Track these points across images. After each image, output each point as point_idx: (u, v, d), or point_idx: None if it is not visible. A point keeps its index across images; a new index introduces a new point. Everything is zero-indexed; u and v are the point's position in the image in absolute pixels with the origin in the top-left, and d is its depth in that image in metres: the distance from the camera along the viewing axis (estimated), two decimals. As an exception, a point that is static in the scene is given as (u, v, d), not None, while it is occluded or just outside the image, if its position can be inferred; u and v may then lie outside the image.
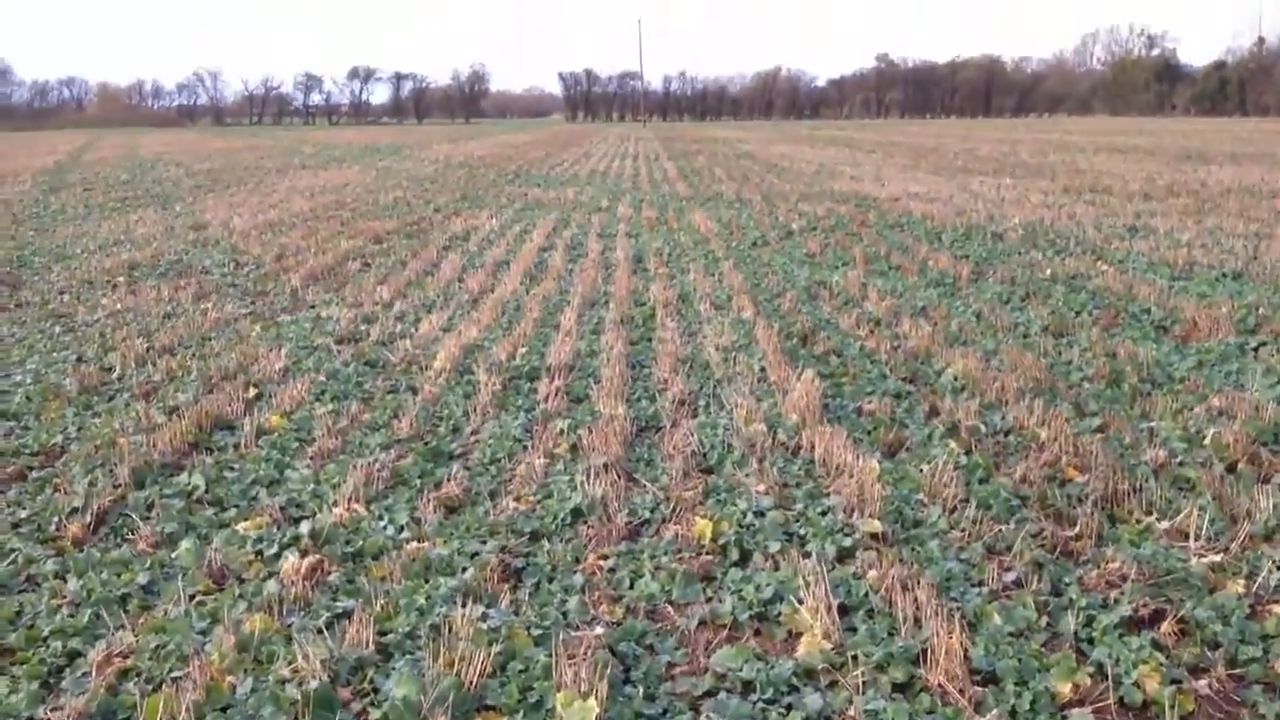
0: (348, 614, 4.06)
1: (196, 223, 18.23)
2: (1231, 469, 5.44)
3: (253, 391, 7.33)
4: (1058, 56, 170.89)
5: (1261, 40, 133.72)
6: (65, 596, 4.31)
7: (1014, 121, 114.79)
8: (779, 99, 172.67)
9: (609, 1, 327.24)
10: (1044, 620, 3.93)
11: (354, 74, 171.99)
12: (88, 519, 5.13)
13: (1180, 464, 5.55)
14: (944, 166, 31.18)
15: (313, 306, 10.49)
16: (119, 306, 10.50)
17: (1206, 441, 5.80)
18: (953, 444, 5.89)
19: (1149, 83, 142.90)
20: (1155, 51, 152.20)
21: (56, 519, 5.16)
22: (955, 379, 7.24)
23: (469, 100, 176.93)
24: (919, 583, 4.14)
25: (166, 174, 32.65)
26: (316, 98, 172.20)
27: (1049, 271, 11.37)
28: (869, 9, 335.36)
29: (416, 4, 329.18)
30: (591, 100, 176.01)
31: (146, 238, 16.13)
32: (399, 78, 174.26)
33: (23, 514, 5.25)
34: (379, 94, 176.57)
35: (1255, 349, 7.92)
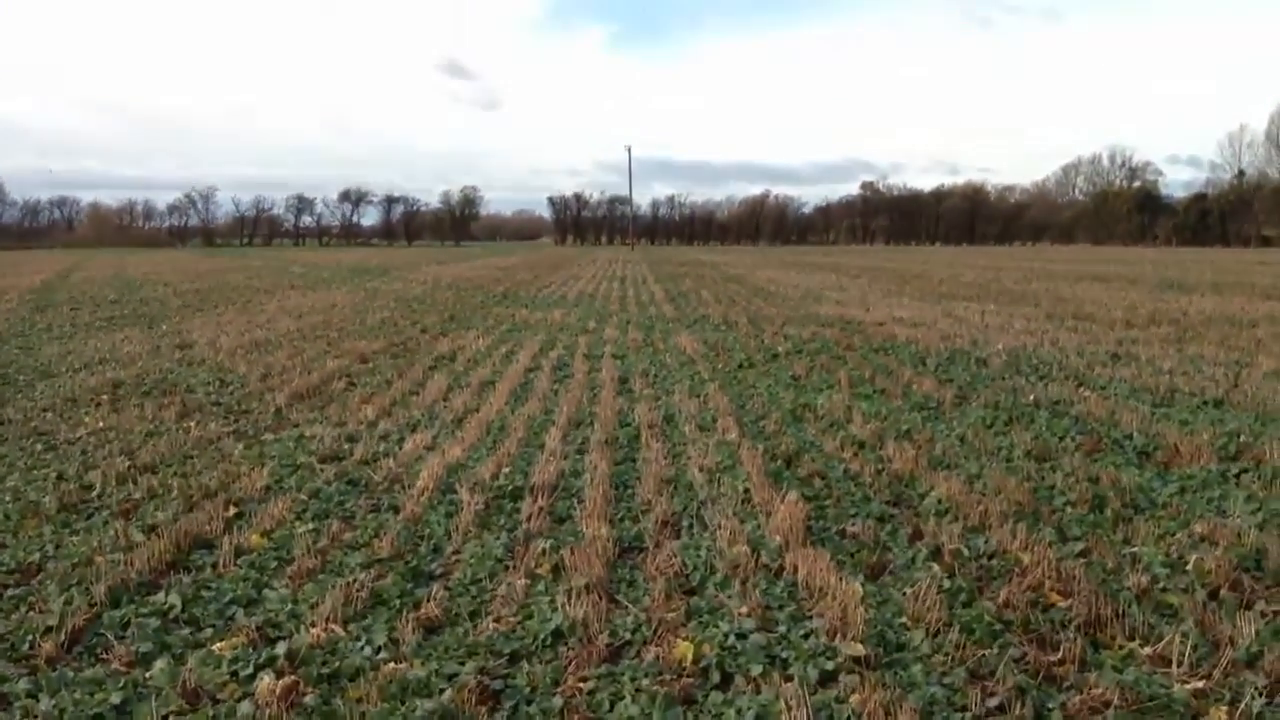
0: (322, 736, 4.00)
1: (182, 341, 18.28)
2: (1214, 595, 5.42)
3: (233, 510, 7.28)
4: (1040, 186, 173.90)
5: (1242, 173, 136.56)
6: (37, 716, 4.25)
7: (997, 249, 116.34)
8: (766, 224, 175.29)
9: (601, 126, 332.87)
10: (1028, 747, 3.89)
11: (345, 196, 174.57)
12: (62, 637, 5.06)
13: (1163, 589, 5.53)
14: (928, 292, 31.50)
15: (296, 425, 10.47)
16: (101, 425, 10.47)
17: (1189, 567, 5.79)
18: (936, 567, 5.88)
19: (1131, 213, 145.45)
20: (1136, 183, 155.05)
21: (30, 637, 5.09)
22: (939, 502, 7.23)
23: (459, 222, 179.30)
24: (901, 707, 4.10)
25: (154, 293, 32.81)
26: (308, 219, 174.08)
27: (1032, 397, 11.43)
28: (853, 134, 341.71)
29: (405, 130, 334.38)
30: (581, 223, 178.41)
31: (132, 356, 16.15)
32: (390, 200, 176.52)
33: (-4, 632, 5.19)
34: (369, 216, 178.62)
35: (1237, 475, 7.94)
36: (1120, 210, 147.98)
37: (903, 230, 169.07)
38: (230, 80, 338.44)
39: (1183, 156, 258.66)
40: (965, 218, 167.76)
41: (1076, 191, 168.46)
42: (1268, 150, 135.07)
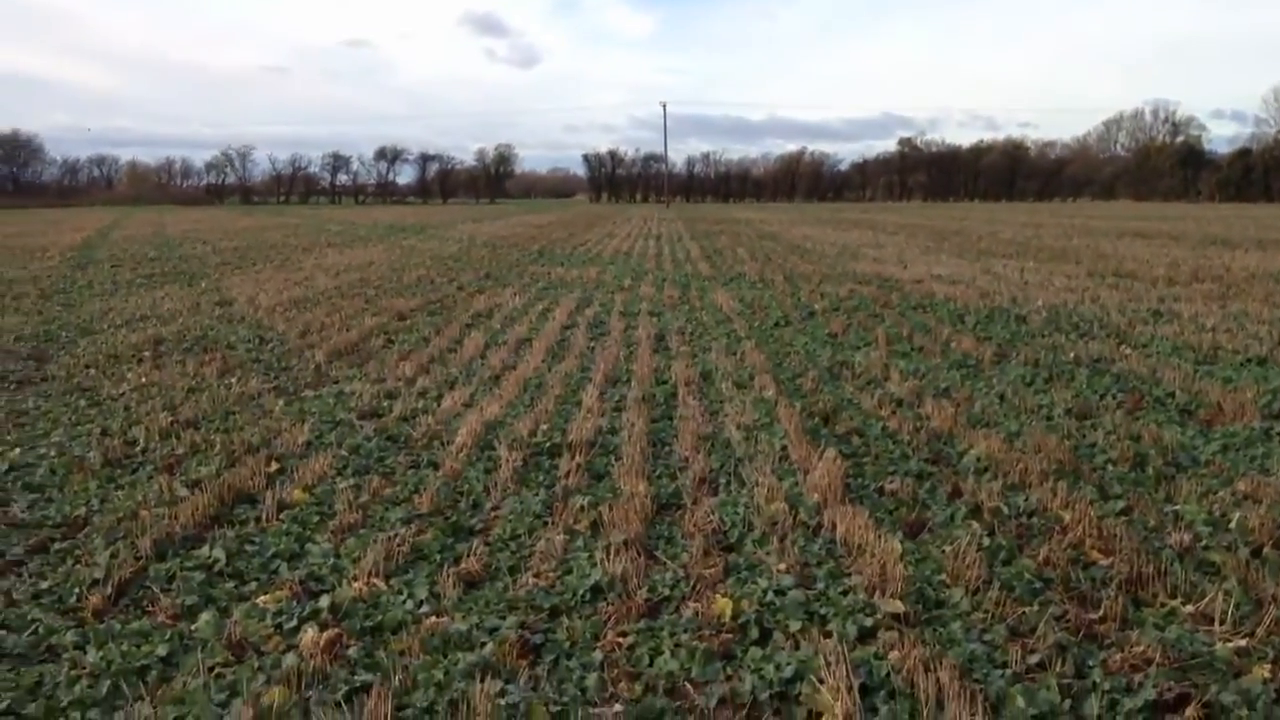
0: (366, 688, 4.05)
1: (222, 299, 18.40)
2: (1257, 553, 5.38)
3: (275, 466, 7.34)
4: (1081, 141, 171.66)
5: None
6: (85, 668, 4.31)
7: (1037, 206, 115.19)
8: (802, 181, 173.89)
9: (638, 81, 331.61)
10: (1068, 704, 3.88)
11: (381, 154, 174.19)
12: (108, 590, 5.13)
13: (1205, 547, 5.49)
14: (967, 249, 31.27)
15: (336, 382, 10.53)
16: (144, 381, 10.57)
17: (1232, 525, 5.75)
18: (975, 525, 5.87)
19: (1173, 169, 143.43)
20: (1179, 138, 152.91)
21: (77, 590, 5.17)
22: (978, 460, 7.21)
23: (494, 180, 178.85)
24: (941, 664, 4.10)
25: (193, 251, 32.99)
26: (343, 177, 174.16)
27: (1073, 354, 11.35)
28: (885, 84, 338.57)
29: (441, 88, 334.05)
30: (615, 181, 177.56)
31: (172, 313, 16.27)
32: (425, 158, 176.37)
33: (44, 585, 5.26)
34: (405, 174, 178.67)
35: (1281, 433, 7.87)
36: (1163, 166, 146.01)
37: (940, 187, 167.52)
38: (262, 39, 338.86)
39: (1227, 111, 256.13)
40: (1004, 174, 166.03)
41: (1118, 147, 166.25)
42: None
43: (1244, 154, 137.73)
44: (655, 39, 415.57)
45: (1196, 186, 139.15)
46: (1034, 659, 4.25)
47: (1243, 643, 4.33)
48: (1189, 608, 4.73)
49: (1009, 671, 4.16)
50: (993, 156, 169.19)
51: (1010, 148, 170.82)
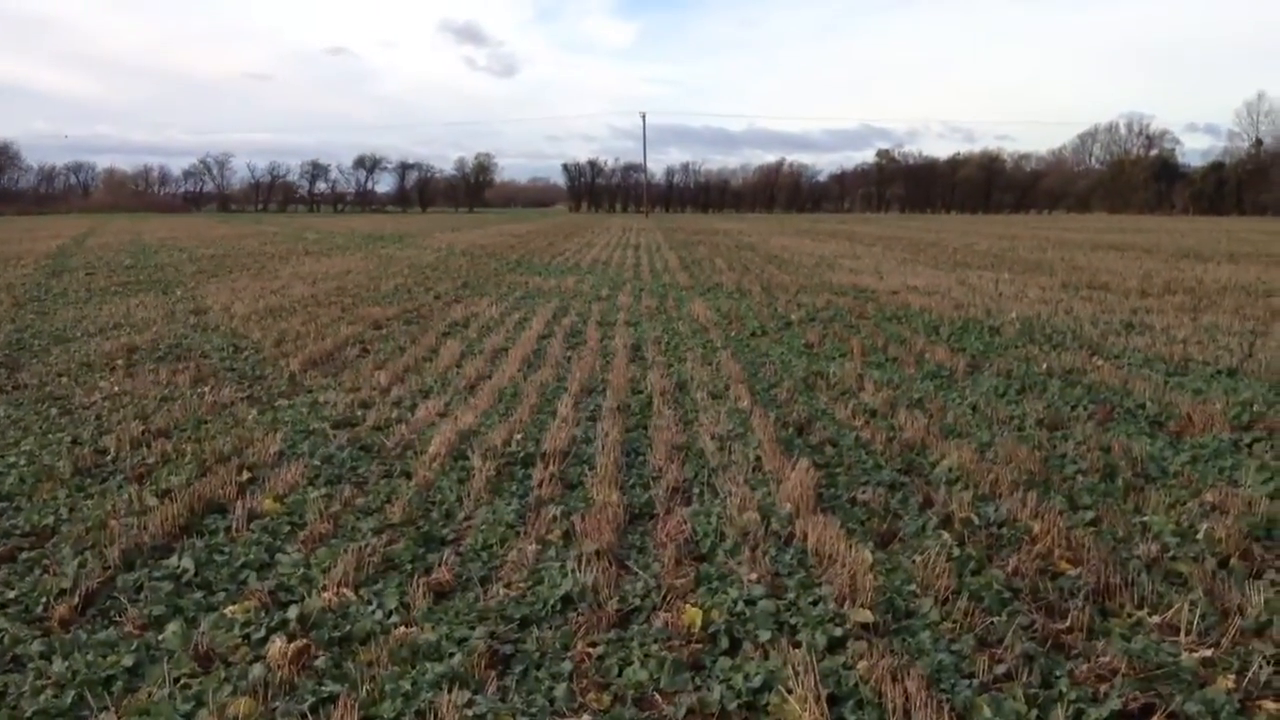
0: (333, 699, 4.04)
1: (197, 307, 18.33)
2: (1224, 564, 5.42)
3: (246, 475, 7.31)
4: (1057, 154, 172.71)
5: (1259, 142, 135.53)
6: (50, 677, 4.28)
7: (1013, 218, 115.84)
8: (781, 192, 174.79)
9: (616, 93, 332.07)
10: (1034, 713, 3.90)
11: (360, 163, 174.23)
12: (76, 600, 5.10)
13: (1172, 558, 5.53)
14: (943, 260, 31.39)
15: (310, 391, 10.50)
16: (116, 389, 10.51)
17: (1199, 536, 5.79)
18: (946, 535, 5.89)
19: (1148, 181, 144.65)
20: (1154, 151, 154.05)
21: (44, 600, 5.13)
22: (950, 471, 7.23)
23: (473, 189, 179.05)
24: (909, 674, 4.11)
25: (169, 259, 32.85)
26: (322, 185, 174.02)
27: (1045, 366, 11.41)
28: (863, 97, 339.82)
29: (421, 96, 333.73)
30: (595, 191, 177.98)
31: (146, 322, 16.20)
32: (404, 167, 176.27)
33: (10, 594, 5.22)
34: (384, 182, 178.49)
35: (1249, 445, 7.92)
36: (1137, 179, 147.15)
37: (918, 198, 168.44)
38: (245, 44, 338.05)
39: (1200, 125, 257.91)
40: (981, 186, 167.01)
41: (1093, 160, 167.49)
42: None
43: (1217, 167, 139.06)
44: (636, 48, 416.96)
45: (1170, 199, 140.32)
46: (1001, 669, 4.27)
47: (1208, 653, 4.36)
48: (1155, 618, 4.76)
49: (976, 681, 4.18)
50: (969, 168, 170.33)
51: (987, 160, 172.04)
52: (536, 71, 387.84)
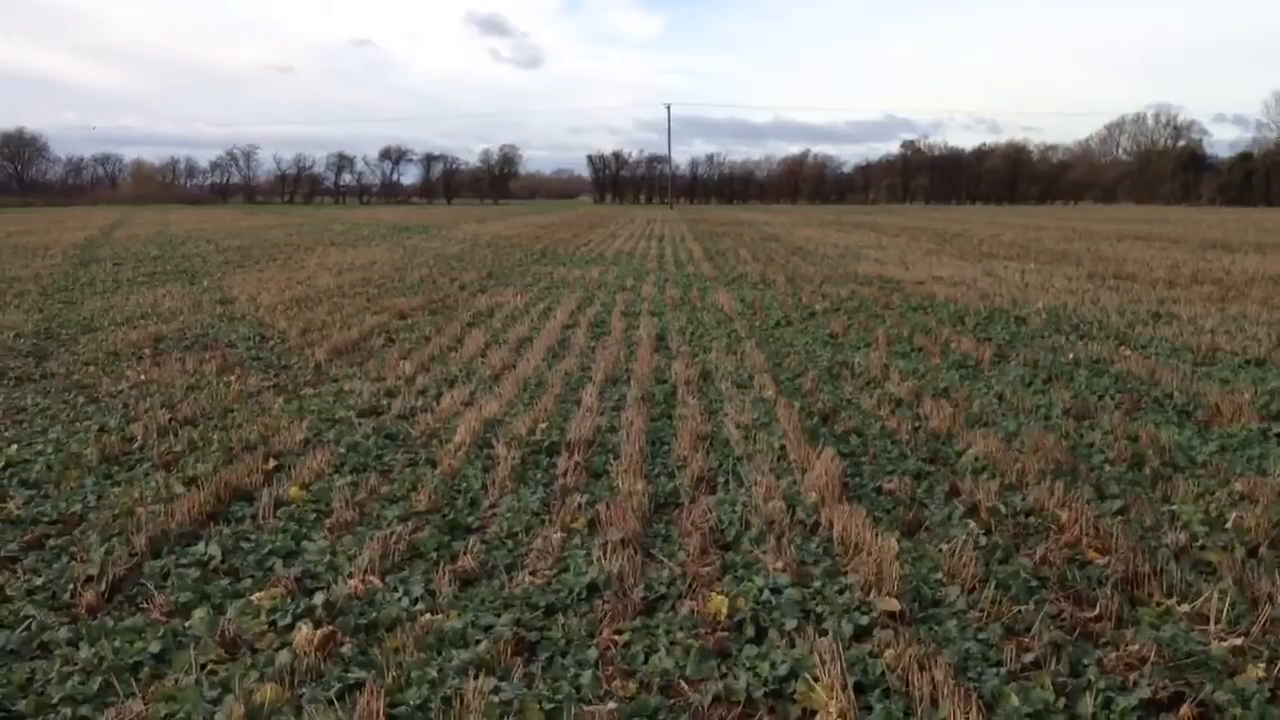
0: (359, 685, 4.04)
1: (224, 297, 18.41)
2: (1253, 553, 5.37)
3: (272, 463, 7.33)
4: (1083, 145, 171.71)
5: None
6: (77, 664, 4.30)
7: (1039, 209, 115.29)
8: (805, 184, 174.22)
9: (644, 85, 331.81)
10: (1062, 702, 3.87)
11: (385, 155, 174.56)
12: (103, 587, 5.12)
13: (1201, 547, 5.49)
14: (968, 251, 31.26)
15: (335, 380, 10.53)
16: (143, 378, 10.56)
17: (1228, 525, 5.74)
18: (972, 524, 5.87)
19: (1175, 172, 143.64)
20: (1181, 142, 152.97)
21: (71, 586, 5.15)
22: (976, 460, 7.19)
23: (498, 181, 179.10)
24: (936, 662, 4.09)
25: (196, 250, 33.01)
26: (348, 177, 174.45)
27: (1072, 355, 11.34)
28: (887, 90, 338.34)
29: (446, 88, 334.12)
30: (619, 182, 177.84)
31: (173, 311, 16.27)
32: (429, 159, 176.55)
33: (38, 581, 5.24)
34: (409, 174, 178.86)
35: (1278, 434, 7.85)
36: (1164, 170, 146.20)
37: (943, 190, 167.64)
38: (266, 37, 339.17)
39: (1228, 115, 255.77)
40: (1007, 177, 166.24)
41: (1120, 151, 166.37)
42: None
43: (1245, 158, 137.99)
44: (661, 40, 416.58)
45: (1198, 190, 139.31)
46: (1029, 657, 4.24)
47: (1238, 642, 4.32)
48: (1185, 607, 4.72)
49: (1004, 670, 4.15)
50: (995, 160, 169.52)
51: (1012, 151, 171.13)
52: (561, 63, 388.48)
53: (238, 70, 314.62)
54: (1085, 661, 4.21)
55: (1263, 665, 4.10)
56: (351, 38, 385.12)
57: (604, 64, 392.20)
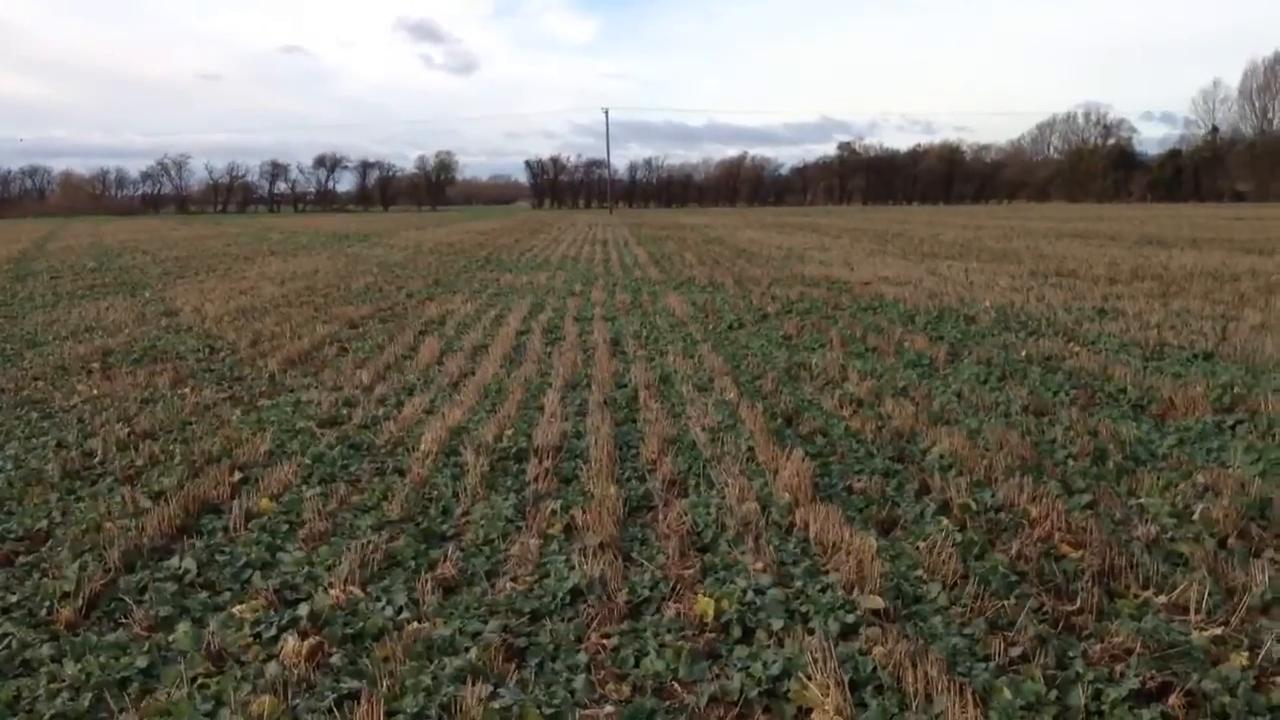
0: (354, 695, 4.03)
1: (168, 309, 18.19)
2: (1223, 544, 5.48)
3: (238, 475, 7.26)
4: (1015, 144, 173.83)
5: (1215, 129, 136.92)
6: (64, 680, 4.24)
7: (975, 208, 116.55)
8: (744, 186, 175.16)
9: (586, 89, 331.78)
10: (1053, 694, 3.93)
11: (320, 162, 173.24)
12: (79, 603, 5.05)
13: (1171, 539, 5.58)
14: (911, 251, 31.55)
15: (292, 391, 10.44)
16: (95, 392, 10.42)
17: (1195, 517, 5.85)
18: (946, 521, 5.93)
19: (1106, 170, 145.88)
20: (1111, 140, 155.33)
21: (48, 603, 5.08)
22: (942, 457, 7.28)
23: (435, 188, 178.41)
24: (927, 658, 4.14)
25: (134, 261, 32.59)
26: (282, 185, 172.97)
27: (1024, 353, 11.49)
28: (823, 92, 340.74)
29: (378, 94, 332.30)
30: (558, 187, 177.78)
31: (118, 324, 16.05)
32: (365, 166, 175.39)
33: (12, 598, 5.16)
34: (345, 181, 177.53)
35: (1233, 426, 8.01)
36: (1095, 168, 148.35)
37: (879, 190, 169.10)
38: (195, 45, 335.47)
39: (1156, 113, 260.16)
40: (942, 177, 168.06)
41: (1051, 150, 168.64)
42: (1241, 106, 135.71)
43: (1174, 155, 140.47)
44: (596, 44, 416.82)
45: (1128, 187, 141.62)
46: (1016, 651, 4.30)
47: (1218, 631, 4.41)
48: (1162, 598, 4.81)
49: (993, 664, 4.21)
50: (930, 160, 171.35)
51: (947, 152, 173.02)
52: (495, 69, 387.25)
53: (164, 79, 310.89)
54: (1070, 654, 4.27)
55: (1245, 653, 4.19)
56: (281, 44, 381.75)
57: (539, 68, 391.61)
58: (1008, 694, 3.90)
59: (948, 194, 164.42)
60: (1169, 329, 13.12)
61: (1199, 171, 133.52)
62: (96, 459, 7.86)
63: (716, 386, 10.03)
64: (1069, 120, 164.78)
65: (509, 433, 8.32)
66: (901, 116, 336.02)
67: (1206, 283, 19.26)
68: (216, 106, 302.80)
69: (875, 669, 4.16)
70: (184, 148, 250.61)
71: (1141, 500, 6.23)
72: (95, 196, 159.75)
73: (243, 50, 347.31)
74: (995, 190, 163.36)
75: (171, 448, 8.09)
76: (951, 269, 23.85)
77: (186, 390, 10.46)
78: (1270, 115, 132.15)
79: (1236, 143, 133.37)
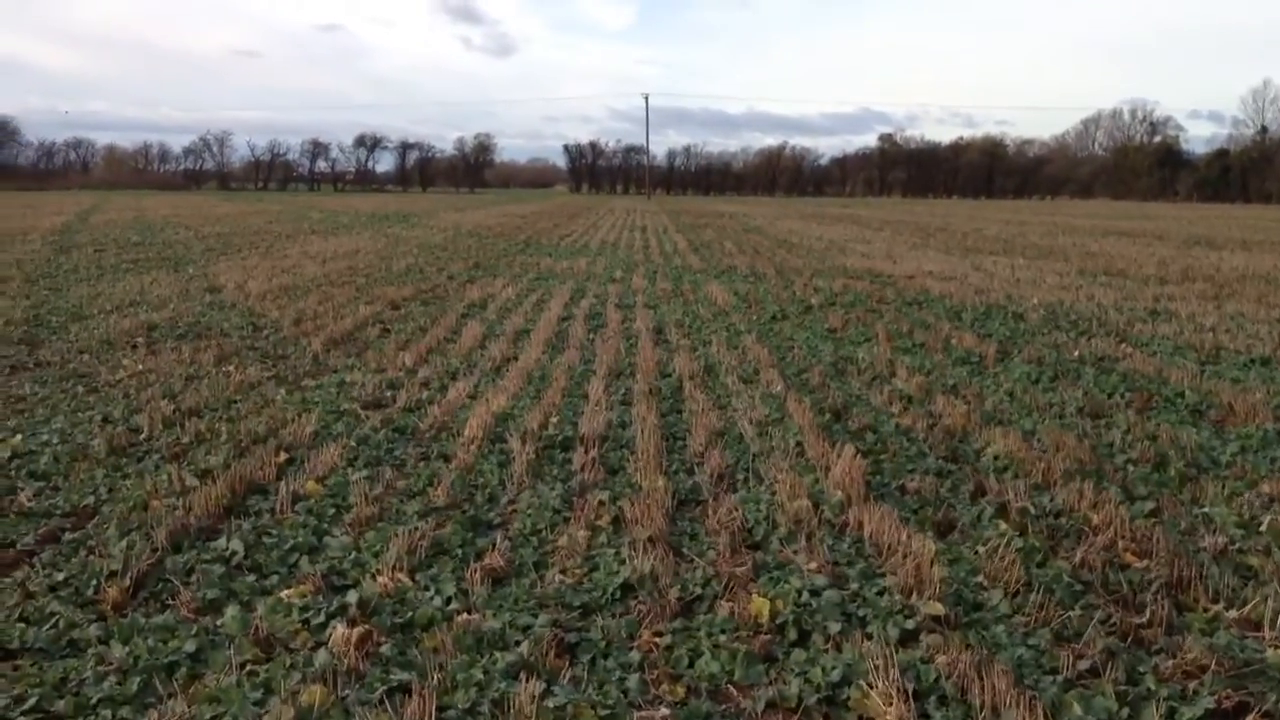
0: (404, 688, 3.95)
1: (211, 285, 18.22)
2: (1293, 557, 5.33)
3: (284, 456, 7.20)
4: (1059, 140, 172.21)
5: (1264, 129, 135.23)
6: (111, 663, 4.18)
7: (1017, 203, 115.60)
8: (782, 176, 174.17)
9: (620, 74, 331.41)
10: (1125, 711, 3.80)
11: (360, 142, 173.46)
12: (126, 583, 5.00)
13: (1240, 551, 5.43)
14: (954, 245, 31.28)
15: (335, 371, 10.40)
16: (140, 367, 10.41)
17: (1263, 528, 5.69)
18: (1004, 525, 5.79)
19: (1151, 168, 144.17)
20: (1157, 138, 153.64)
21: (95, 583, 5.02)
22: (996, 459, 7.14)
23: (473, 170, 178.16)
24: (992, 669, 4.01)
25: (176, 236, 32.72)
26: (322, 164, 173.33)
27: (1077, 353, 11.31)
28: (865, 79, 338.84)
29: (417, 75, 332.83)
30: (596, 172, 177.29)
31: (162, 299, 16.08)
32: (405, 146, 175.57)
33: (59, 577, 5.11)
34: (384, 162, 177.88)
35: (1297, 436, 7.83)
36: (1141, 166, 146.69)
37: (920, 183, 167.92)
38: (230, 21, 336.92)
39: (1204, 112, 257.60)
40: (983, 171, 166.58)
41: (1096, 146, 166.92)
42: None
43: (1221, 154, 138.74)
44: (634, 29, 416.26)
45: (1174, 186, 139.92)
46: (1084, 665, 4.16)
47: (1294, 649, 4.27)
48: (1233, 613, 4.66)
49: (1061, 678, 4.07)
50: (972, 154, 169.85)
51: (989, 146, 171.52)
52: (534, 52, 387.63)
53: (201, 55, 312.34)
54: (1141, 669, 4.14)
55: (1324, 674, 4.05)
56: (319, 23, 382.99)
57: (577, 53, 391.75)
58: (1078, 709, 3.78)
59: (989, 188, 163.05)
60: (1224, 332, 12.90)
61: (1246, 172, 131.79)
62: (143, 435, 7.82)
63: (762, 379, 9.91)
64: (1114, 117, 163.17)
65: (554, 420, 8.24)
66: (941, 109, 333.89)
67: (1260, 286, 18.95)
68: (254, 83, 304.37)
69: (938, 678, 4.04)
70: (221, 124, 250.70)
71: (1206, 509, 6.08)
72: (138, 170, 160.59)
73: (280, 27, 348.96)
74: (1038, 186, 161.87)
75: (217, 426, 8.05)
76: (997, 265, 23.60)
77: (231, 368, 10.43)
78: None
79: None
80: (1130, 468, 6.97)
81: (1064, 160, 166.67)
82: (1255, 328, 13.32)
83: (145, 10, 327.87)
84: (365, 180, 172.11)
